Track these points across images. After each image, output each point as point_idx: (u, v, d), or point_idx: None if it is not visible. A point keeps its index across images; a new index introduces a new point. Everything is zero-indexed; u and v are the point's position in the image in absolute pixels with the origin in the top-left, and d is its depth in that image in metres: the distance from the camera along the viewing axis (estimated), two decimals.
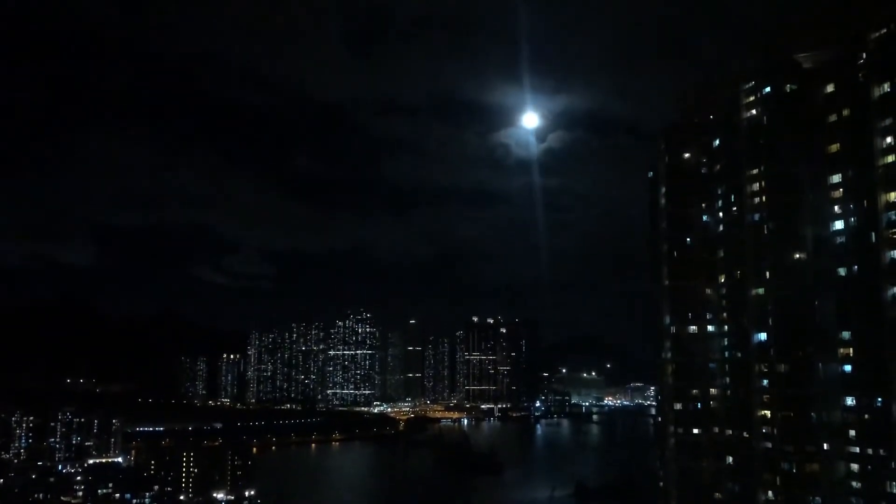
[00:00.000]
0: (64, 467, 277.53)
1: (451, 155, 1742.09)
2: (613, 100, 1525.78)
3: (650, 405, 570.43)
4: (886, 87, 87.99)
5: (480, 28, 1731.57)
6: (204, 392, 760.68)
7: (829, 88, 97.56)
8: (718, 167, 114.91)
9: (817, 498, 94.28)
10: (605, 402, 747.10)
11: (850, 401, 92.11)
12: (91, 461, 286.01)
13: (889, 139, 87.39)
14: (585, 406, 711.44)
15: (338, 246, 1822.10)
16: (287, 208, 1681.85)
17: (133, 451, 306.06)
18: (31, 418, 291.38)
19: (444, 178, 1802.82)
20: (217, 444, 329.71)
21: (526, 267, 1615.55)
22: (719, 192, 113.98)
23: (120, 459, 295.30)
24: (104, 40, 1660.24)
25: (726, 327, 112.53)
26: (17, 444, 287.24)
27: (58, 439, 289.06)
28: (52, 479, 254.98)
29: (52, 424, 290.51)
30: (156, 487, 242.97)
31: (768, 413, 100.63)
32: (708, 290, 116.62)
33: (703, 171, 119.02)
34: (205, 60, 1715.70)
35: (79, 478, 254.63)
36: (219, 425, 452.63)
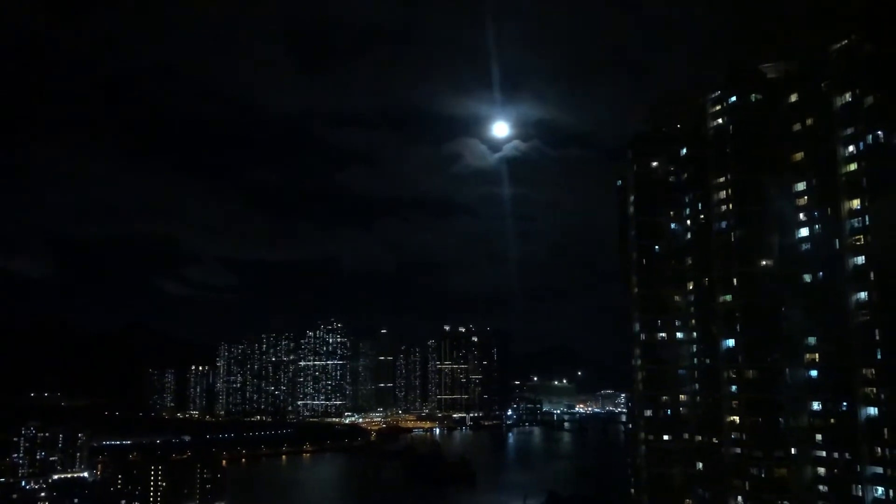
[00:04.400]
0: (28, 483, 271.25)
1: (408, 166, 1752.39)
2: (566, 112, 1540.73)
3: (621, 412, 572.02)
4: (848, 97, 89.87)
5: (427, 41, 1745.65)
6: (172, 404, 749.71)
7: (793, 98, 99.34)
8: (686, 176, 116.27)
9: (786, 502, 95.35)
10: (577, 409, 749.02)
11: (816, 406, 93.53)
12: (56, 476, 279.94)
13: (851, 148, 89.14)
14: (557, 414, 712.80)
15: (302, 257, 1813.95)
16: (248, 220, 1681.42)
17: (99, 466, 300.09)
18: None
19: (403, 189, 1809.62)
20: (186, 457, 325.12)
21: (493, 276, 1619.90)
22: (687, 200, 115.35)
23: (86, 474, 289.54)
24: (60, 54, 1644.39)
25: (695, 334, 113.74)
26: None
27: (21, 455, 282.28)
28: (15, 496, 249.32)
29: (16, 439, 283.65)
30: (123, 502, 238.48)
31: (737, 419, 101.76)
32: (677, 298, 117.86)
33: (671, 179, 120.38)
34: (159, 75, 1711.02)
35: (43, 494, 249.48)
36: (187, 438, 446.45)
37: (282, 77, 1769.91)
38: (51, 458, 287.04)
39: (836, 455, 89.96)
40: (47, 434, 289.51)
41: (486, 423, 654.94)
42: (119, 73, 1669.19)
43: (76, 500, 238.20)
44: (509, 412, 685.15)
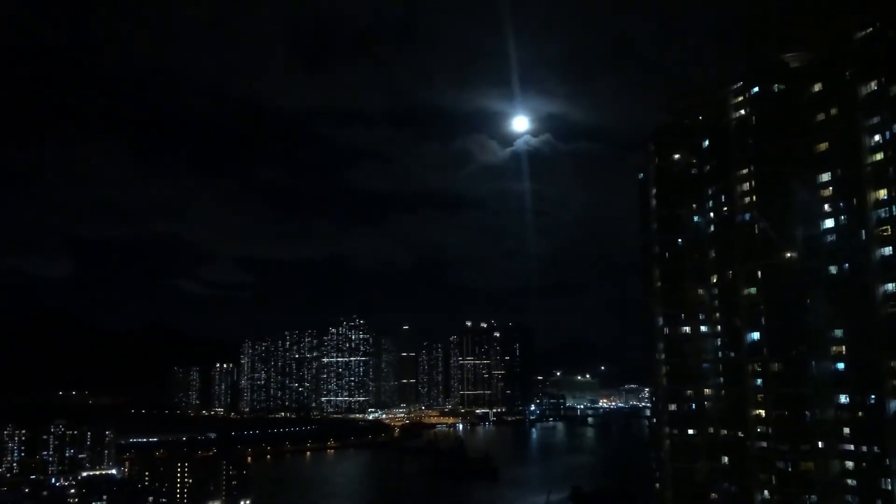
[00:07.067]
0: (57, 481, 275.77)
1: (418, 162, 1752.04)
2: (576, 106, 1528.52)
3: (645, 407, 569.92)
4: (873, 85, 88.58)
5: (433, 37, 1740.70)
6: (197, 402, 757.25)
7: (817, 88, 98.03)
8: (708, 168, 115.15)
9: (813, 496, 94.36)
10: (600, 404, 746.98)
11: (843, 398, 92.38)
12: (84, 474, 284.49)
13: (876, 137, 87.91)
14: (580, 409, 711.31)
15: (317, 255, 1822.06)
16: (261, 219, 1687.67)
17: (127, 463, 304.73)
18: (23, 432, 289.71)
19: (414, 186, 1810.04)
20: (211, 453, 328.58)
21: (508, 271, 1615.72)
22: (709, 192, 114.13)
23: (114, 471, 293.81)
24: (69, 56, 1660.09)
25: (719, 327, 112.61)
26: (9, 458, 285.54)
27: (50, 452, 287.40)
28: (45, 493, 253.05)
29: (45, 437, 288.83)
30: (150, 499, 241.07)
31: (762, 412, 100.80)
32: (700, 291, 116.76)
33: (692, 172, 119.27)
34: (169, 76, 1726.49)
35: (72, 491, 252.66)
36: (213, 435, 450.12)
37: (289, 76, 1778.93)
38: (79, 456, 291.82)
39: (863, 448, 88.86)
40: (75, 432, 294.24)
41: (509, 419, 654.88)
42: (129, 74, 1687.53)
43: (104, 497, 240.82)
44: (532, 407, 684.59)
